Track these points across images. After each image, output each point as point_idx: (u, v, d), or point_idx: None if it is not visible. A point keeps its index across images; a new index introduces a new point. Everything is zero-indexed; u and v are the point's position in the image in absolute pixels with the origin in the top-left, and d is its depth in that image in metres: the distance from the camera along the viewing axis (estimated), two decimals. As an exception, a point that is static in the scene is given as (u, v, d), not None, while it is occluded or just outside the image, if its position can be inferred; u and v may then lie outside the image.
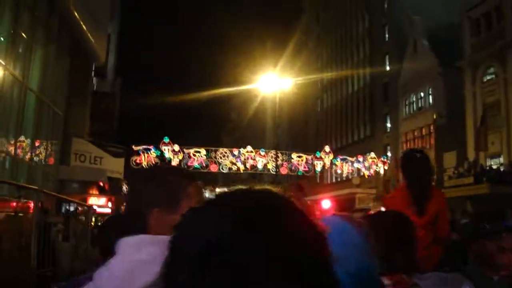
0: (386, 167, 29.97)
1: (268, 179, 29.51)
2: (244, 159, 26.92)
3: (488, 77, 29.56)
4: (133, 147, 25.11)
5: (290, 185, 5.47)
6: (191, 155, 26.28)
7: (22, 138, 12.52)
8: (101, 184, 19.66)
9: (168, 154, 25.49)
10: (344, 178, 40.43)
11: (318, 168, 28.35)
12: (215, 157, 26.79)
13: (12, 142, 11.96)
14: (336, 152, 32.73)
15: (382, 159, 29.83)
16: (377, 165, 29.15)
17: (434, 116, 31.38)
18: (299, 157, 28.21)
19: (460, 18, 31.09)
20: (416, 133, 36.44)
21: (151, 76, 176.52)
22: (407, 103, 37.79)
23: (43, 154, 14.47)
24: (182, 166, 23.64)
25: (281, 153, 28.94)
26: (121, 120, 38.88)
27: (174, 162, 24.47)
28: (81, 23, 15.10)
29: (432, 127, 32.72)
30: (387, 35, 42.48)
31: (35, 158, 13.72)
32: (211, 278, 0.60)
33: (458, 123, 29.81)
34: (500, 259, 2.72)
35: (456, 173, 26.95)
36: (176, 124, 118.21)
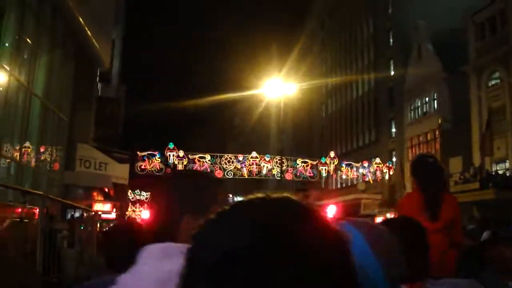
0: (391, 173, 29.98)
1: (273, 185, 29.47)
2: (249, 164, 26.92)
3: (493, 82, 29.54)
4: (138, 153, 25.17)
5: (296, 193, 5.46)
6: (196, 161, 26.31)
7: (27, 143, 12.54)
8: (106, 190, 19.69)
9: (172, 160, 25.55)
10: (349, 184, 40.39)
11: (323, 174, 28.30)
12: (220, 163, 26.82)
13: (17, 147, 11.99)
14: (341, 157, 32.70)
15: (387, 164, 29.79)
16: (382, 171, 29.10)
17: (439, 121, 31.27)
18: (304, 162, 28.17)
19: (464, 23, 31.08)
20: (421, 138, 36.32)
21: (155, 82, 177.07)
22: (412, 108, 37.74)
23: (48, 159, 14.49)
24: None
25: (286, 158, 28.91)
26: (126, 126, 39.08)
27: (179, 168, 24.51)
28: (86, 28, 15.15)
29: (437, 132, 32.60)
30: (391, 40, 42.51)
31: (40, 164, 13.73)
32: None
33: (463, 128, 29.75)
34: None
35: (462, 178, 26.87)
36: (180, 130, 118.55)
